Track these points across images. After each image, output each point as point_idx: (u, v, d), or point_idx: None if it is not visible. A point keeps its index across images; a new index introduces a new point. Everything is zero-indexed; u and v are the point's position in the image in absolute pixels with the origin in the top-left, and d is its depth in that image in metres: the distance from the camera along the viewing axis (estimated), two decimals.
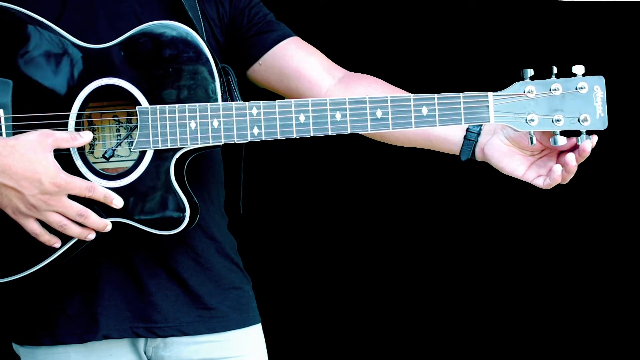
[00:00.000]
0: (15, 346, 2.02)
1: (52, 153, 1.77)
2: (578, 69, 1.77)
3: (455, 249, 3.88)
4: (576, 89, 1.76)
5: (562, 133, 1.78)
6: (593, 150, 1.78)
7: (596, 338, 3.82)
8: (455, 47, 3.68)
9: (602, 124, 1.77)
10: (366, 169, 3.81)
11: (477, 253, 3.87)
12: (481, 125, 1.87)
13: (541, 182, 1.81)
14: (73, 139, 1.80)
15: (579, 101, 1.76)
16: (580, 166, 1.80)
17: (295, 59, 2.01)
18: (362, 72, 2.03)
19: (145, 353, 1.97)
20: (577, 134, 1.78)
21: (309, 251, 3.81)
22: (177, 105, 1.81)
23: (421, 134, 1.92)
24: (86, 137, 1.82)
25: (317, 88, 1.99)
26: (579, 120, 1.76)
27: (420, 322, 3.86)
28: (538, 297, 3.86)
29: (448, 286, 3.88)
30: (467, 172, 3.55)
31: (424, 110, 1.79)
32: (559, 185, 1.81)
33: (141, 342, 1.96)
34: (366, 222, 3.86)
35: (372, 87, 1.97)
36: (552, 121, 1.77)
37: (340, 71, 2.03)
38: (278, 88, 2.04)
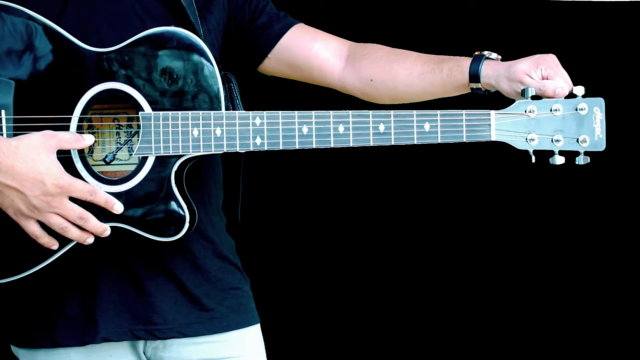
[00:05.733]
0: (14, 349, 2.01)
1: (56, 154, 1.77)
2: (579, 90, 1.79)
3: (453, 253, 3.86)
4: (576, 109, 1.79)
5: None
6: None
7: (596, 338, 3.83)
8: (456, 52, 3.67)
9: (600, 145, 1.79)
10: (364, 170, 3.80)
11: (477, 256, 3.86)
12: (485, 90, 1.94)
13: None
14: (76, 140, 1.80)
15: (579, 122, 1.79)
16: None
17: (302, 50, 2.05)
18: None
19: (144, 354, 1.98)
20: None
21: (307, 251, 3.80)
22: (179, 112, 1.81)
23: (423, 91, 2.00)
24: (89, 140, 1.82)
25: (329, 75, 2.06)
26: (577, 141, 1.79)
27: (418, 323, 3.86)
28: (538, 298, 3.86)
29: (446, 289, 3.87)
30: (467, 173, 3.55)
31: (427, 127, 1.81)
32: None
33: (140, 343, 1.97)
34: (364, 222, 3.85)
35: (377, 57, 2.03)
36: (552, 141, 1.79)
37: (345, 48, 2.08)
38: (293, 77, 2.11)
